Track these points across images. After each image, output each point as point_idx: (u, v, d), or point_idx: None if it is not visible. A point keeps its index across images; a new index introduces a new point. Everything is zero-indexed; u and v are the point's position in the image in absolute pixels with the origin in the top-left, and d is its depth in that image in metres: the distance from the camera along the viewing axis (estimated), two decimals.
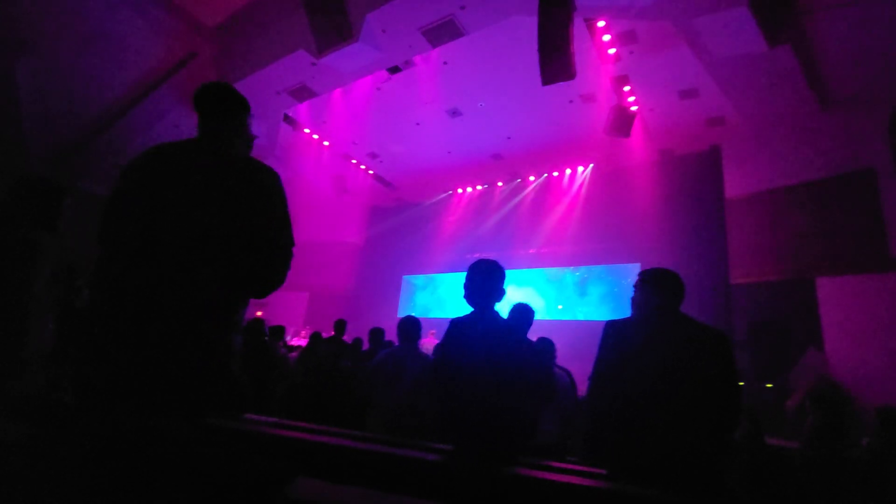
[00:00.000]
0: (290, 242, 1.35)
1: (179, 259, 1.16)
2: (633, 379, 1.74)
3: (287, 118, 9.68)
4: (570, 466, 1.69)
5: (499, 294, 1.95)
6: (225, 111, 1.41)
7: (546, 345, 3.35)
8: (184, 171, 1.25)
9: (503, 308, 2.05)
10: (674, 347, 1.75)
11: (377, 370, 3.29)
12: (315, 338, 5.11)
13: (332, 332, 5.09)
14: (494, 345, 1.85)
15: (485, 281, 1.93)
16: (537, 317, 3.23)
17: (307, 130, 10.34)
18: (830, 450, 2.56)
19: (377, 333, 4.69)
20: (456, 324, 1.95)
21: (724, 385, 1.69)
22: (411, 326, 3.40)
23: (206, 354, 1.17)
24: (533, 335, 3.12)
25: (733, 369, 1.73)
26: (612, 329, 1.88)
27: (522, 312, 3.00)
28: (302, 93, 8.30)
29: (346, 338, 5.32)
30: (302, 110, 9.57)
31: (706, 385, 1.67)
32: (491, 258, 2.03)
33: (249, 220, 1.26)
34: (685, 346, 1.75)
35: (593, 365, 1.89)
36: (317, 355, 4.75)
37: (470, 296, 1.95)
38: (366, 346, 4.98)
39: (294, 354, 5.37)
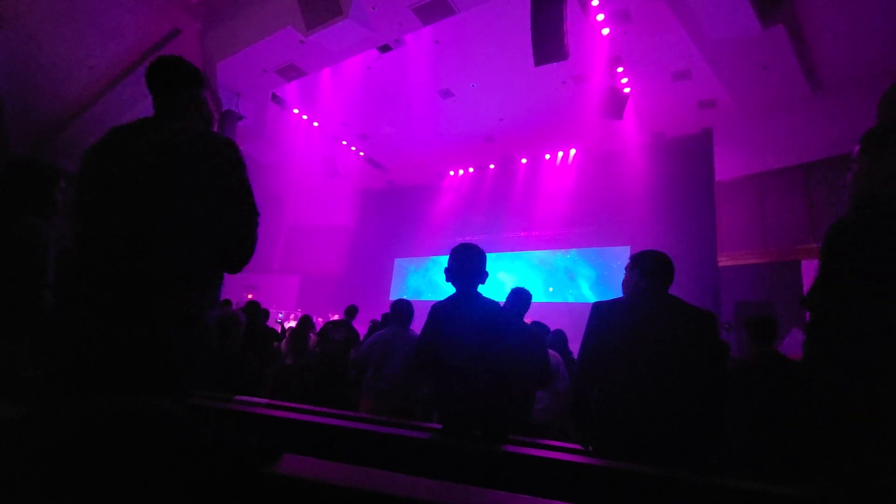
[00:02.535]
0: (254, 213, 1.35)
1: (143, 240, 1.17)
2: (622, 359, 1.77)
3: (275, 98, 9.48)
4: (554, 443, 1.73)
5: (483, 276, 1.98)
6: (177, 86, 1.41)
7: (540, 328, 3.38)
8: (137, 151, 1.25)
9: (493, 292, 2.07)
10: (658, 328, 1.78)
11: (367, 352, 3.32)
12: (304, 321, 5.08)
13: (330, 317, 5.05)
14: (483, 325, 1.88)
15: (470, 263, 1.96)
16: None
17: (296, 111, 10.14)
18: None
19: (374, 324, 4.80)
20: (439, 307, 1.96)
21: (711, 364, 1.73)
22: (402, 309, 3.41)
23: (181, 333, 1.19)
24: (527, 318, 3.17)
25: (719, 349, 1.77)
26: (598, 310, 1.90)
27: (519, 296, 3.03)
28: (290, 71, 8.11)
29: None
30: (290, 90, 9.38)
31: (691, 364, 1.71)
32: (478, 242, 2.05)
33: (209, 194, 1.26)
34: (670, 326, 1.78)
35: (580, 345, 1.92)
36: (327, 341, 4.69)
37: (454, 278, 1.97)
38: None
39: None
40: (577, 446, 1.82)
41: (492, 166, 12.18)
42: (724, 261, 7.94)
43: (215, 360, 2.46)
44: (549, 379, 3.02)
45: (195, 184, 1.24)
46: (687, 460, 1.62)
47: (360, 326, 5.29)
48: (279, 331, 6.23)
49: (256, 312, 4.59)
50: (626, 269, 2.01)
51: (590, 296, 10.10)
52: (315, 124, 10.69)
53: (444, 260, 2.00)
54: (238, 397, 2.09)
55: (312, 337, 4.89)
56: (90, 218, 1.22)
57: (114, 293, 1.13)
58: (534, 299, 3.15)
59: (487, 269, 2.01)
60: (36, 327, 1.62)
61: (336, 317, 9.24)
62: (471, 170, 12.58)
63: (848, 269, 1.23)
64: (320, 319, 8.87)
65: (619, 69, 7.62)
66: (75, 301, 1.15)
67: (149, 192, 1.21)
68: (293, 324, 8.19)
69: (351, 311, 5.19)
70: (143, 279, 1.15)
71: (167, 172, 1.23)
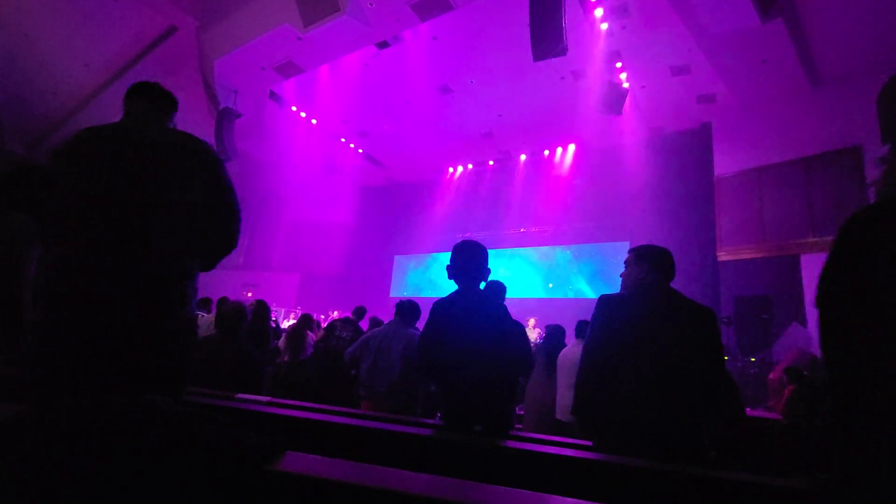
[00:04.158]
0: (237, 208, 1.39)
1: (126, 235, 1.18)
2: (624, 353, 1.77)
3: (273, 95, 9.45)
4: (555, 439, 1.74)
5: (485, 273, 1.98)
6: (159, 101, 1.46)
7: (499, 287, 3.03)
8: (121, 148, 1.27)
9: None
10: (663, 323, 1.77)
11: (362, 346, 3.33)
12: (305, 319, 5.07)
13: (330, 314, 5.01)
14: (485, 322, 1.88)
15: (472, 260, 1.96)
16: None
17: (294, 108, 10.11)
18: (805, 419, 2.67)
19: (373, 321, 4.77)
20: (440, 304, 1.96)
21: (710, 361, 1.74)
22: (404, 307, 3.42)
23: (176, 326, 1.19)
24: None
25: (719, 346, 1.77)
26: (605, 303, 1.89)
27: (495, 287, 3.00)
28: (288, 68, 8.08)
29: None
30: (288, 87, 9.35)
31: (693, 360, 1.71)
32: (478, 238, 2.05)
33: (198, 189, 1.29)
34: (674, 321, 1.78)
35: (586, 337, 1.91)
36: (332, 337, 4.66)
37: (456, 275, 1.97)
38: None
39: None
40: (578, 441, 1.83)
41: (491, 162, 12.16)
42: (723, 255, 7.95)
43: (220, 356, 2.48)
44: (531, 368, 3.03)
45: (185, 179, 1.27)
46: (688, 455, 1.62)
47: (365, 326, 5.29)
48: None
49: (266, 314, 4.56)
50: (626, 263, 1.99)
51: (589, 291, 10.12)
52: (313, 122, 10.66)
53: (443, 256, 2.01)
54: (239, 395, 2.10)
55: (312, 335, 4.89)
56: (78, 213, 1.20)
57: (108, 287, 1.12)
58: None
59: (489, 266, 2.01)
60: (11, 325, 1.60)
61: (336, 313, 9.25)
62: (470, 166, 12.56)
63: (846, 264, 1.22)
64: (322, 317, 8.88)
65: (618, 64, 7.60)
66: (63, 296, 1.13)
67: (143, 186, 1.22)
68: (290, 322, 8.19)
69: (359, 312, 5.14)
70: (139, 272, 1.16)
71: (161, 168, 1.25)
